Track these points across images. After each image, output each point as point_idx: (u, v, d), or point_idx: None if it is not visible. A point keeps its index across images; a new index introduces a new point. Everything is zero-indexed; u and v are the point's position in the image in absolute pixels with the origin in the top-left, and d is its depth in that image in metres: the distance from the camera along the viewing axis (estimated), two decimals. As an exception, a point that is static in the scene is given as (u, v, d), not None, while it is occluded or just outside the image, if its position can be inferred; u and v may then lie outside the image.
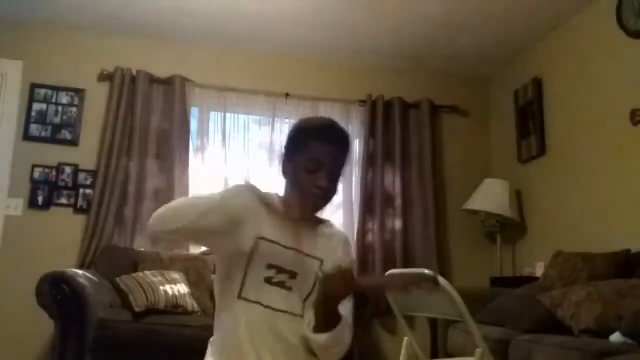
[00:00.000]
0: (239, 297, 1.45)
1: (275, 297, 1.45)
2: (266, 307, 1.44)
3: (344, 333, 1.45)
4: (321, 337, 1.42)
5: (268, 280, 1.45)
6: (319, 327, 1.41)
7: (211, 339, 1.55)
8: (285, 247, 1.47)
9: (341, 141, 1.55)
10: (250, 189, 1.49)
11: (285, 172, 1.57)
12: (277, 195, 1.58)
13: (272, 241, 1.46)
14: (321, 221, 1.62)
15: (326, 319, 1.41)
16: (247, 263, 1.45)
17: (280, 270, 1.46)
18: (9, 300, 3.82)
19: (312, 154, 1.50)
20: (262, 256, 1.45)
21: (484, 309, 3.19)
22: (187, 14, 4.10)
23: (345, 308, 1.48)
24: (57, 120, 4.26)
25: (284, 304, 1.46)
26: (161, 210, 1.41)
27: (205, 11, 4.06)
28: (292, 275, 1.47)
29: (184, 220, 1.37)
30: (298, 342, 1.46)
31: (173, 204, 1.45)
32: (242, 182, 1.53)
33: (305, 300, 1.49)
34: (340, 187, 4.49)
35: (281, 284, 1.46)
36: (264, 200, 1.49)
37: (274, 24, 4.23)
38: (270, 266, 1.45)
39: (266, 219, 1.47)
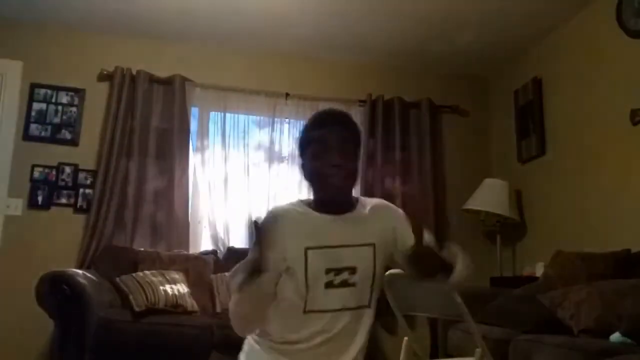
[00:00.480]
0: (305, 312, 1.45)
1: (341, 298, 1.46)
2: (330, 311, 1.45)
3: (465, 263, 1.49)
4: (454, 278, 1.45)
5: (330, 285, 1.45)
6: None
7: (258, 339, 1.53)
8: (333, 246, 1.47)
9: (340, 120, 1.57)
10: (272, 218, 1.50)
11: (305, 175, 1.58)
12: (300, 201, 1.58)
13: (319, 247, 1.46)
14: (355, 203, 1.60)
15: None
16: (305, 276, 1.45)
17: (338, 271, 1.46)
18: (9, 300, 3.82)
19: (315, 140, 1.52)
20: (316, 265, 1.45)
21: (484, 309, 3.18)
22: (187, 14, 4.10)
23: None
24: (57, 120, 4.26)
25: (351, 300, 1.48)
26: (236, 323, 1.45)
27: (206, 11, 4.06)
28: (352, 270, 1.47)
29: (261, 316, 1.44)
30: (363, 336, 1.52)
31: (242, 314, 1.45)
32: (257, 221, 1.48)
33: (372, 287, 1.51)
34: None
35: (344, 283, 1.46)
36: (290, 214, 1.51)
37: (274, 24, 4.23)
38: (328, 271, 1.46)
39: (302, 228, 1.48)
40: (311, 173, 1.54)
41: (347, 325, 1.48)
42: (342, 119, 1.58)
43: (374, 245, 1.51)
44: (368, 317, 1.53)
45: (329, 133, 1.51)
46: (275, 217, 1.51)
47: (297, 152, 1.62)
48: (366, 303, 1.51)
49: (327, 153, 1.49)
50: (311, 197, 1.59)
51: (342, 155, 1.50)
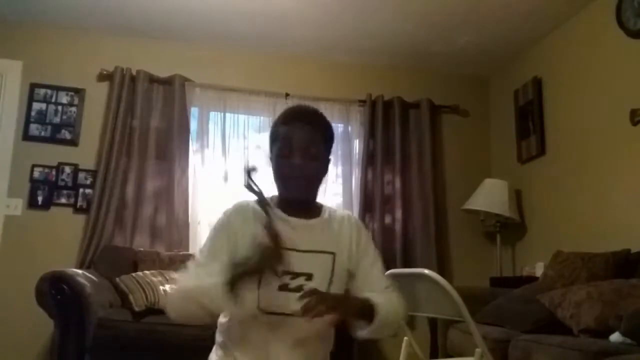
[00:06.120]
0: (259, 309, 1.42)
1: (295, 303, 1.38)
2: (287, 315, 1.41)
3: (388, 314, 1.44)
4: (363, 333, 1.44)
5: (284, 288, 1.42)
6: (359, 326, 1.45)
7: (221, 341, 1.53)
8: (294, 250, 1.42)
9: (309, 118, 1.53)
10: (236, 212, 1.51)
11: (272, 173, 1.53)
12: (272, 197, 1.55)
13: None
14: (323, 210, 1.57)
15: (361, 318, 1.43)
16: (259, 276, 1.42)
17: (295, 275, 1.43)
18: (9, 300, 3.82)
19: (281, 138, 1.49)
20: None
21: (484, 309, 3.18)
22: (187, 14, 4.10)
23: (378, 281, 1.52)
24: (57, 120, 4.26)
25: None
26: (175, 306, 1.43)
27: (205, 11, 4.06)
28: (309, 277, 1.44)
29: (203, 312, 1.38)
30: (320, 342, 1.48)
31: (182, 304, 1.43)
32: (225, 211, 1.53)
33: None
34: (340, 186, 4.51)
35: (299, 289, 1.41)
36: (249, 211, 1.49)
37: (274, 24, 4.23)
38: (283, 273, 1.42)
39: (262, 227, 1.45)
40: (275, 172, 1.51)
41: (302, 331, 1.42)
42: (310, 118, 1.53)
43: (334, 254, 1.48)
44: (323, 322, 1.40)
45: (293, 132, 1.48)
46: (236, 213, 1.51)
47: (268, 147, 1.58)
48: None
49: (290, 154, 1.47)
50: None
51: (307, 157, 1.47)
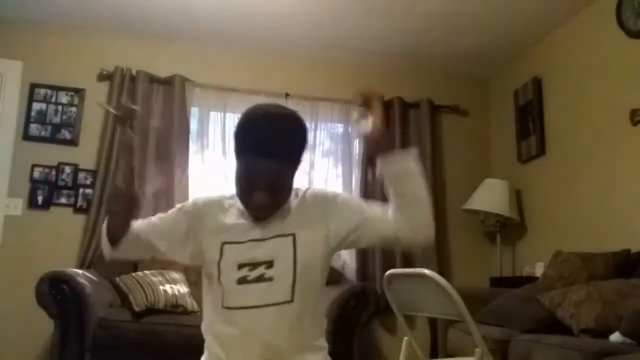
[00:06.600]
0: (222, 307, 1.40)
1: (256, 295, 1.37)
2: (249, 308, 1.37)
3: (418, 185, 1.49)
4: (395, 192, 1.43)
5: (243, 281, 1.38)
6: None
7: (205, 343, 1.51)
8: (252, 240, 1.40)
9: (273, 145, 1.36)
10: (196, 201, 1.53)
11: (235, 180, 1.44)
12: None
13: (235, 242, 1.41)
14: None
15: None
16: (219, 273, 1.40)
17: (253, 265, 1.38)
18: (9, 300, 3.82)
19: (246, 168, 1.38)
20: (229, 260, 1.40)
21: (484, 309, 3.19)
22: (187, 14, 4.10)
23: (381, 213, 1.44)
24: (57, 120, 4.26)
25: (268, 297, 1.37)
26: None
27: (205, 11, 4.06)
28: (269, 264, 1.38)
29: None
30: (288, 333, 1.38)
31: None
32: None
33: (293, 282, 1.38)
34: (339, 186, 4.51)
35: (259, 279, 1.37)
36: (218, 203, 1.48)
37: (274, 24, 4.23)
38: (241, 266, 1.38)
39: (228, 222, 1.44)
40: (236, 184, 1.42)
41: (273, 323, 1.37)
42: (275, 144, 1.36)
43: (293, 235, 1.39)
44: (292, 312, 1.37)
45: (255, 166, 1.36)
46: (205, 203, 1.51)
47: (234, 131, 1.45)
48: (288, 298, 1.37)
49: (256, 189, 1.37)
50: None
51: (270, 189, 1.37)
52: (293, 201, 1.46)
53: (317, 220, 1.44)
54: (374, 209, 1.46)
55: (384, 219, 1.43)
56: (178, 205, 1.55)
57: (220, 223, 1.45)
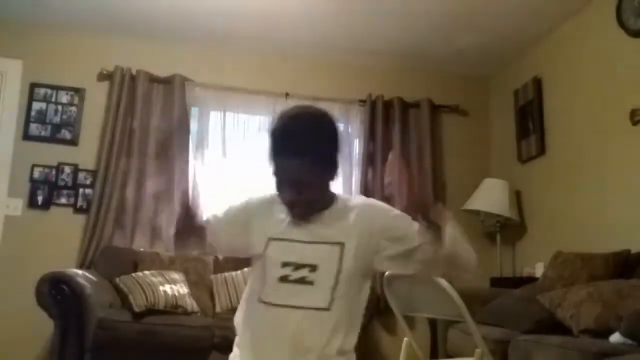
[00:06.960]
0: (259, 300, 1.43)
1: (295, 295, 1.39)
2: (285, 306, 1.40)
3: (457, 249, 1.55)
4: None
5: (284, 279, 1.40)
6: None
7: (237, 340, 1.52)
8: (295, 240, 1.43)
9: (296, 144, 1.40)
10: (251, 198, 1.57)
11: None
12: None
13: (282, 239, 1.44)
14: (335, 200, 1.50)
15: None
16: (264, 266, 1.43)
17: (297, 266, 1.40)
18: (9, 300, 3.81)
19: (273, 165, 1.43)
20: (274, 256, 1.43)
21: (484, 309, 3.19)
22: (188, 14, 4.10)
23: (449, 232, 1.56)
24: (57, 119, 4.25)
25: (305, 300, 1.39)
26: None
27: (206, 11, 4.06)
28: (313, 268, 1.40)
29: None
30: (319, 337, 1.39)
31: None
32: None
33: (333, 288, 1.40)
34: (340, 186, 4.52)
35: (301, 280, 1.39)
36: (269, 202, 1.51)
37: (274, 24, 4.23)
38: (285, 264, 1.41)
39: (275, 218, 1.48)
40: (275, 187, 1.48)
41: (306, 325, 1.39)
42: (298, 142, 1.40)
43: (342, 244, 1.42)
44: (327, 319, 1.39)
45: (281, 164, 1.41)
46: (259, 200, 1.55)
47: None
48: (325, 305, 1.39)
49: (283, 185, 1.43)
50: None
51: (298, 188, 1.41)
52: (343, 208, 1.48)
53: (368, 234, 1.45)
54: (422, 238, 1.52)
55: (432, 260, 1.55)
56: (241, 201, 1.61)
57: (269, 219, 1.49)
